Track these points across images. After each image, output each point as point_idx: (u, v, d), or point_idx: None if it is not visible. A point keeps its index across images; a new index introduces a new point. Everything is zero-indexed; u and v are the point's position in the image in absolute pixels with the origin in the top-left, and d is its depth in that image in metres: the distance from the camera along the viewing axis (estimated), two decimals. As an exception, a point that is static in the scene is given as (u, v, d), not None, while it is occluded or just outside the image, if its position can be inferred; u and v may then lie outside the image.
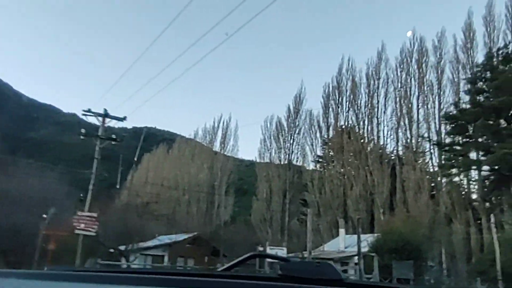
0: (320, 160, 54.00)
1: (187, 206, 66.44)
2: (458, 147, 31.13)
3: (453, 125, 30.87)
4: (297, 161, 55.57)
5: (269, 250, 24.38)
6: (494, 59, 29.66)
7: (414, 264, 20.08)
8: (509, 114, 28.13)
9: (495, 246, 22.42)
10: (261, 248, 25.70)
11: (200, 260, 25.91)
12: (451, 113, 30.65)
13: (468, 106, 29.78)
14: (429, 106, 40.26)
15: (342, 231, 31.73)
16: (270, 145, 57.72)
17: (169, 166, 78.48)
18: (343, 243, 30.80)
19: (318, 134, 53.54)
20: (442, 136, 34.52)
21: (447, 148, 31.82)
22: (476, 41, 37.56)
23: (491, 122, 27.43)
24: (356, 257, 22.22)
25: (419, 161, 40.15)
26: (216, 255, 27.83)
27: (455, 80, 37.81)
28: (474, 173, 33.83)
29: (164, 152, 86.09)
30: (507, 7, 36.22)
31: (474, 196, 34.33)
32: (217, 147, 70.50)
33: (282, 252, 24.69)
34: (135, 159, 46.74)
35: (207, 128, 74.00)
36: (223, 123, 69.69)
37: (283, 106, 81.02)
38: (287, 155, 56.00)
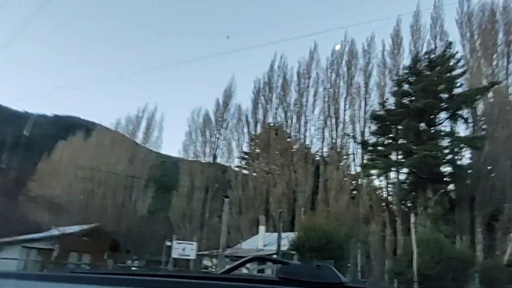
0: (246, 156, 52.01)
1: (101, 198, 60.74)
2: (381, 148, 30.73)
3: (378, 125, 30.42)
4: (222, 156, 53.00)
5: (176, 245, 21.53)
6: (419, 64, 29.75)
7: (335, 263, 18.42)
8: (432, 117, 28.19)
9: (413, 247, 21.67)
10: (168, 243, 22.78)
11: (99, 256, 22.18)
12: (377, 113, 30.18)
13: (393, 107, 29.54)
14: (355, 107, 40.10)
15: (262, 228, 29.65)
16: (196, 139, 54.53)
17: (85, 155, 71.63)
18: (262, 241, 28.72)
19: (245, 130, 51.51)
20: (366, 137, 34.20)
21: (370, 148, 31.35)
22: (402, 48, 38.04)
23: (414, 123, 27.19)
24: (275, 256, 20.21)
25: (343, 162, 39.73)
26: (115, 250, 24.25)
27: (382, 84, 37.94)
28: (394, 175, 33.90)
29: (81, 141, 78.62)
30: (432, 18, 37.06)
31: (392, 198, 34.34)
32: (139, 138, 65.45)
33: (191, 247, 21.95)
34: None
35: (130, 118, 68.44)
36: (148, 113, 64.77)
37: (212, 99, 77.93)
38: (213, 150, 53.22)
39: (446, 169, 30.18)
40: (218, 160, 52.62)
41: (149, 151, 64.21)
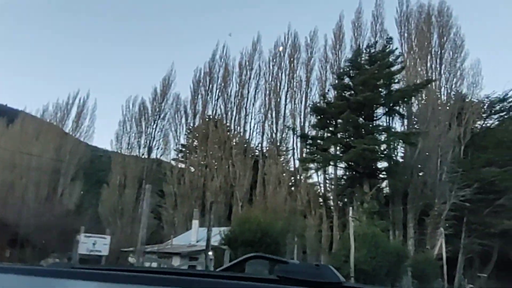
0: (183, 149, 49.33)
1: (23, 190, 54.75)
2: (320, 142, 29.92)
3: (318, 118, 29.56)
4: (158, 148, 49.74)
5: (83, 239, 18.77)
6: (360, 58, 29.33)
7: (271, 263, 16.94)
8: (371, 112, 27.82)
9: (351, 242, 20.82)
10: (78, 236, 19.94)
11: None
12: (318, 105, 29.28)
13: (334, 100, 28.82)
14: (296, 101, 39.15)
15: (195, 222, 27.52)
16: (130, 129, 50.68)
17: (6, 145, 64.48)
18: (195, 236, 26.61)
19: (183, 121, 48.76)
20: (306, 131, 33.24)
21: (309, 141, 30.43)
22: (344, 43, 37.75)
23: (354, 117, 26.58)
24: (211, 253, 18.29)
25: (282, 156, 38.70)
26: (14, 246, 20.91)
27: (323, 78, 37.34)
28: (333, 170, 33.37)
29: (3, 129, 70.88)
30: (373, 15, 37.11)
31: (330, 193, 33.78)
32: (69, 127, 59.79)
33: (103, 241, 19.30)
34: None
35: (59, 105, 62.17)
36: (80, 100, 59.00)
37: (150, 88, 73.66)
38: (148, 141, 49.77)
39: (383, 164, 30.13)
40: (154, 153, 49.36)
41: (78, 141, 58.98)
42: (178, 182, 43.67)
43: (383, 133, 28.19)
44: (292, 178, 37.71)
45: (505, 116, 35.56)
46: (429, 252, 28.65)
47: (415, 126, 30.24)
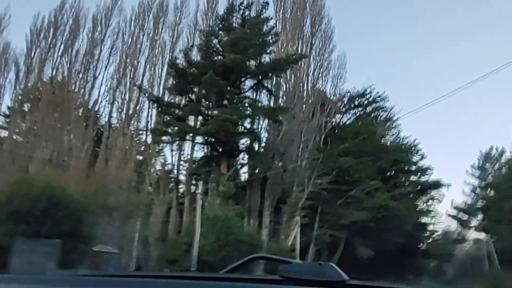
0: (8, 113, 38.04)
1: None
2: (177, 110, 24.32)
3: (177, 80, 23.93)
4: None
5: None
6: (231, 18, 24.84)
7: (68, 245, 10.58)
8: (239, 81, 23.49)
9: (196, 226, 15.72)
10: None
11: None
12: (177, 62, 23.57)
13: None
14: (157, 68, 32.72)
15: None
16: None
17: None
18: None
19: (13, 79, 37.51)
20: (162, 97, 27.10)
21: (164, 109, 24.56)
22: (217, 12, 32.91)
23: (218, 80, 21.76)
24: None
25: (132, 129, 31.77)
26: None
27: (189, 45, 31.72)
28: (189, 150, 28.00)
29: None
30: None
31: (184, 172, 28.32)
32: None
33: None
34: None
35: None
36: None
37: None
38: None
39: (245, 144, 26.09)
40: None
41: None
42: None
43: (249, 108, 24.14)
44: (143, 150, 31.13)
45: (362, 112, 35.56)
46: (283, 242, 25.59)
47: (281, 105, 27.16)
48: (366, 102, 35.12)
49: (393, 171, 34.02)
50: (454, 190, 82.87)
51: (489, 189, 40.75)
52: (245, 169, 29.87)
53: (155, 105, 25.42)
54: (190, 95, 23.95)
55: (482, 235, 40.98)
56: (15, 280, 1.26)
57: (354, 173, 29.81)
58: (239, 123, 22.25)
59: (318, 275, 1.15)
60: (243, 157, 27.03)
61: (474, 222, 42.28)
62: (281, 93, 31.14)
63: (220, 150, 24.83)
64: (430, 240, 47.15)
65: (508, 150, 41.70)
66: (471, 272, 41.19)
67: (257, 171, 25.99)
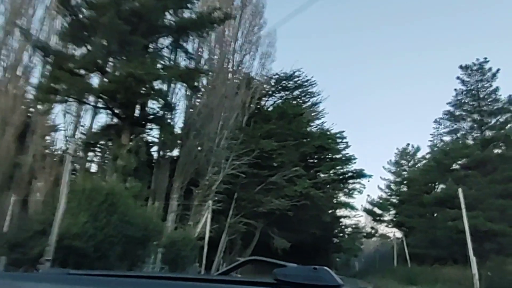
0: None
1: None
2: (70, 63, 19.07)
3: (71, 24, 18.62)
4: None
5: None
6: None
7: None
8: (151, 28, 18.89)
9: (60, 199, 11.17)
10: None
11: None
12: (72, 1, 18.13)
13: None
14: (54, 22, 26.36)
15: None
16: None
17: None
18: None
19: None
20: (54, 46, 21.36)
21: (55, 59, 19.11)
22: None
23: (122, 24, 17.04)
24: None
25: (20, 84, 25.29)
26: None
27: None
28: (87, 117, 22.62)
29: None
30: None
31: (76, 142, 22.85)
32: None
33: None
34: None
35: None
36: None
37: None
38: None
39: (154, 112, 21.58)
40: None
41: None
42: None
43: (161, 69, 19.74)
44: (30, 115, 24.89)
45: (289, 95, 32.97)
46: (190, 229, 21.68)
47: (203, 71, 23.16)
48: (293, 86, 32.58)
49: (316, 158, 31.99)
50: (371, 186, 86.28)
51: (402, 185, 41.04)
52: (154, 145, 25.32)
53: (42, 54, 19.78)
54: (87, 44, 18.90)
55: (393, 230, 41.17)
56: (8, 277, 1.24)
57: (276, 157, 26.98)
58: (147, 84, 17.83)
59: (313, 279, 1.13)
60: (152, 128, 22.58)
61: (387, 217, 42.43)
62: (202, 60, 27.05)
63: (123, 116, 20.13)
64: (341, 235, 46.75)
65: (423, 148, 42.63)
66: (379, 267, 41.16)
67: (167, 144, 21.71)
